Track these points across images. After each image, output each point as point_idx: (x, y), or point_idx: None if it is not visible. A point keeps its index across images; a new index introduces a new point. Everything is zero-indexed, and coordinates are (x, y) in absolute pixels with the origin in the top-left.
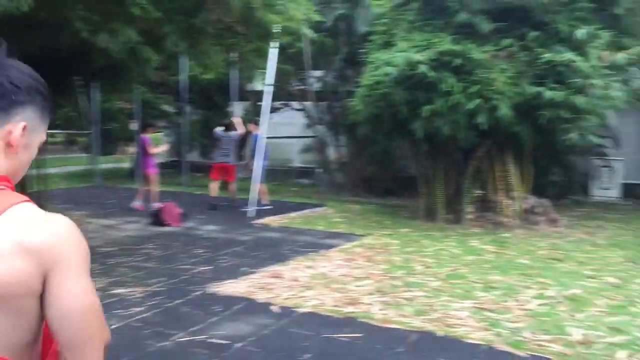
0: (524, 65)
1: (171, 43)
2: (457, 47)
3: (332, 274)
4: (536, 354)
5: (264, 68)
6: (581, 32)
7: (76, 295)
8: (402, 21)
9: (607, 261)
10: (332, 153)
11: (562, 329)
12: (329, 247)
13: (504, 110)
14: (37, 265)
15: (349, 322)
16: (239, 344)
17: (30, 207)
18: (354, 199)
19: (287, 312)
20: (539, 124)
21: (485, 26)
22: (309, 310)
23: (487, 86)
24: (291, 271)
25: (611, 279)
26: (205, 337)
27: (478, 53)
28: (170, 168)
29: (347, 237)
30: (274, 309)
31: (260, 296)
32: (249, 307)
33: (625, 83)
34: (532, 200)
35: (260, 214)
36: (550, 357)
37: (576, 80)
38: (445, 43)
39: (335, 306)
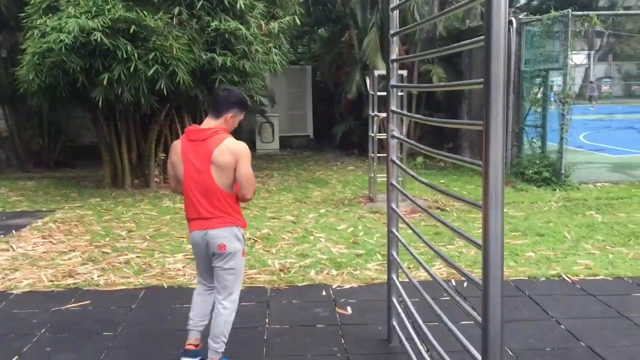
0: (195, 33)
1: None
2: (130, 14)
3: (34, 253)
4: (250, 285)
5: None
6: (241, 3)
7: (246, 169)
8: None
9: (282, 203)
10: None
11: (264, 262)
12: (18, 227)
13: (182, 76)
14: (233, 157)
15: (74, 293)
16: None
17: (232, 139)
18: (25, 175)
19: (1, 296)
20: (214, 87)
21: None
22: (26, 290)
23: (164, 53)
24: None
25: (289, 217)
26: None
27: (152, 20)
28: None
29: (35, 214)
30: None
31: None
32: None
33: (279, 48)
34: None
35: None
36: (262, 285)
37: (241, 46)
38: (118, 10)
39: (53, 281)
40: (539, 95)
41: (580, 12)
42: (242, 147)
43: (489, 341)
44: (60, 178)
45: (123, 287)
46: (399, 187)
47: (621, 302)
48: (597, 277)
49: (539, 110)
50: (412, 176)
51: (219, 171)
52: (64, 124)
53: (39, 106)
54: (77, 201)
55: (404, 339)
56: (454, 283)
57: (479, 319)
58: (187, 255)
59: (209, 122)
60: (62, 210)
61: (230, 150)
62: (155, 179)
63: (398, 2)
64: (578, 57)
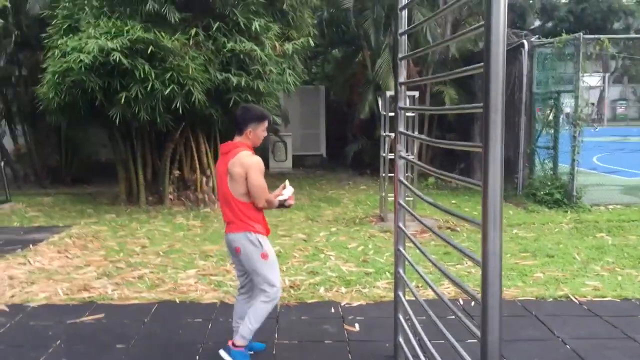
0: (211, 53)
1: None
2: (148, 35)
3: (50, 267)
4: None
5: None
6: (256, 24)
7: (255, 180)
8: (87, 6)
9: (293, 222)
10: (9, 143)
11: None
12: (36, 241)
13: (198, 95)
14: (243, 169)
15: (89, 306)
16: None
17: (247, 152)
18: (42, 191)
19: (18, 308)
20: (228, 106)
21: (173, 15)
22: (43, 302)
23: (180, 73)
24: (4, 270)
25: (300, 235)
26: None
27: (169, 41)
28: None
29: (51, 229)
30: (2, 308)
31: None
32: None
33: (293, 69)
34: None
35: None
36: None
37: (256, 67)
38: (137, 31)
39: (68, 294)
40: (551, 117)
41: (592, 36)
42: (252, 160)
43: (487, 355)
44: (76, 194)
45: (136, 302)
46: (406, 206)
47: (627, 323)
48: (605, 299)
49: (550, 131)
50: (419, 196)
51: (232, 181)
52: (81, 141)
53: (58, 123)
54: (93, 217)
55: (410, 356)
56: (461, 302)
57: (479, 333)
58: (199, 271)
59: (235, 138)
60: (78, 226)
61: (241, 162)
62: (170, 196)
63: (406, 28)
64: (592, 79)
